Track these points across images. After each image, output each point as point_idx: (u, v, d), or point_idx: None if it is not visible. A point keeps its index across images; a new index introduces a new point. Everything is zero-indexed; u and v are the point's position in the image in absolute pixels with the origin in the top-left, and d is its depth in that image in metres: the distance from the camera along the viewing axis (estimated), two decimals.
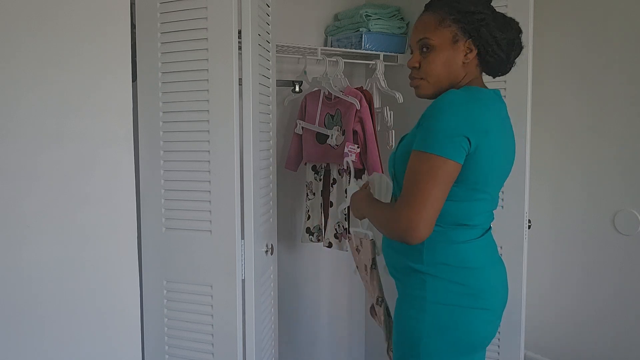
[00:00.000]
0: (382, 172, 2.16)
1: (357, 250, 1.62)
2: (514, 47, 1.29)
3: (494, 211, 1.36)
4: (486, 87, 1.33)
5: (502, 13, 1.30)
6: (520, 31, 1.31)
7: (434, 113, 1.19)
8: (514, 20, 1.31)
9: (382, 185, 1.52)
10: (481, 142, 1.19)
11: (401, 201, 1.19)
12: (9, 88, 1.33)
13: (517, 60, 1.34)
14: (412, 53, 1.35)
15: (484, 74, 1.35)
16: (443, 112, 1.18)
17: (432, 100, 1.27)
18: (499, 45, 1.27)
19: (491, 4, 1.30)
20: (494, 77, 1.37)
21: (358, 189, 1.58)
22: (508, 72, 1.35)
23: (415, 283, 1.29)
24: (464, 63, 1.28)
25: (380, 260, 1.54)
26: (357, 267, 1.66)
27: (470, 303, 1.27)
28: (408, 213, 1.15)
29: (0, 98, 1.32)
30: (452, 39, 1.27)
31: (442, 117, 1.18)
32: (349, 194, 1.66)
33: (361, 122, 2.13)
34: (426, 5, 1.33)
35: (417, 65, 1.31)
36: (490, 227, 1.36)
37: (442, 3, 1.29)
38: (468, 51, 1.27)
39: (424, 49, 1.29)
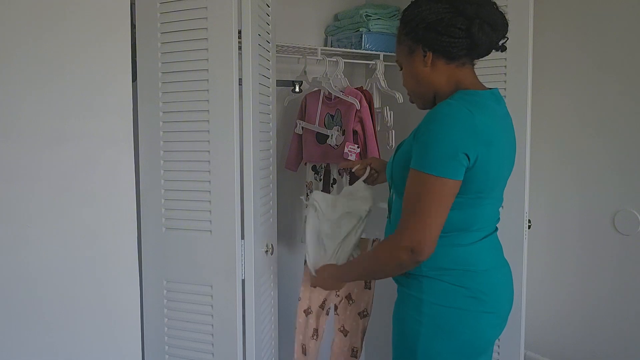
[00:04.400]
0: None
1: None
2: (475, 22, 1.19)
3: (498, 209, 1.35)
4: (483, 87, 1.29)
5: None
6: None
7: (430, 128, 1.16)
8: None
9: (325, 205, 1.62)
10: (482, 154, 1.16)
11: (402, 224, 1.18)
12: (10, 88, 1.33)
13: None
14: None
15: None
16: (439, 128, 1.15)
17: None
18: (447, 35, 1.21)
19: None
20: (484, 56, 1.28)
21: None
22: (492, 45, 1.25)
23: (412, 285, 1.28)
24: (429, 69, 1.27)
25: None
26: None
27: (475, 306, 1.24)
28: (411, 236, 1.15)
29: (1, 98, 1.32)
30: (408, 52, 1.29)
31: (439, 133, 1.14)
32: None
33: (361, 122, 2.13)
34: None
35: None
36: (496, 228, 1.35)
37: (400, 25, 1.33)
38: (424, 55, 1.26)
39: (400, 69, 1.36)
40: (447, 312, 1.24)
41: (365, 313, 1.75)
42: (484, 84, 1.30)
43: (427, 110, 1.26)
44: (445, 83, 1.27)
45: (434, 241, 1.16)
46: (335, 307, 1.80)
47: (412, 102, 1.39)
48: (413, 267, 1.22)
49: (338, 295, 1.78)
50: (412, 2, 1.29)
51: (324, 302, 1.83)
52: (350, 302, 1.78)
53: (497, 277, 1.30)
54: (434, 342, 1.25)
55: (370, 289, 1.73)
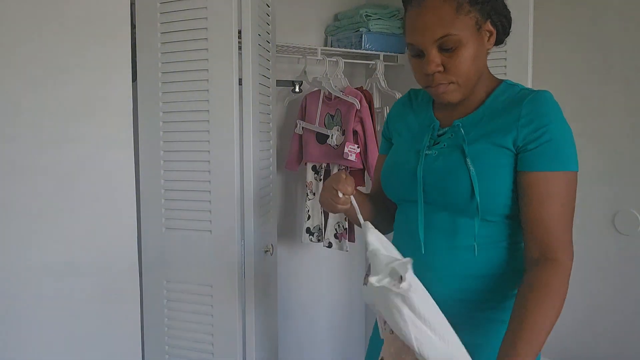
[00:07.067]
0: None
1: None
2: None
3: None
4: None
5: None
6: None
7: (559, 121, 1.01)
8: None
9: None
10: None
11: (564, 237, 1.00)
12: (10, 89, 1.33)
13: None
14: (416, 56, 1.04)
15: None
16: (565, 122, 1.02)
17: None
18: (507, 18, 1.08)
19: None
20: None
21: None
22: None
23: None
24: (486, 50, 1.06)
25: None
26: None
27: None
28: (571, 249, 1.01)
29: (1, 100, 1.32)
30: (476, 26, 1.01)
31: (568, 128, 1.02)
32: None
33: (361, 122, 2.13)
34: None
35: (440, 69, 1.01)
36: None
37: None
38: (489, 35, 1.05)
39: (448, 48, 1.00)
40: None
41: None
42: None
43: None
44: (488, 70, 1.11)
45: None
46: None
47: (442, 92, 1.04)
48: None
49: None
50: None
51: None
52: None
53: None
54: None
55: None
